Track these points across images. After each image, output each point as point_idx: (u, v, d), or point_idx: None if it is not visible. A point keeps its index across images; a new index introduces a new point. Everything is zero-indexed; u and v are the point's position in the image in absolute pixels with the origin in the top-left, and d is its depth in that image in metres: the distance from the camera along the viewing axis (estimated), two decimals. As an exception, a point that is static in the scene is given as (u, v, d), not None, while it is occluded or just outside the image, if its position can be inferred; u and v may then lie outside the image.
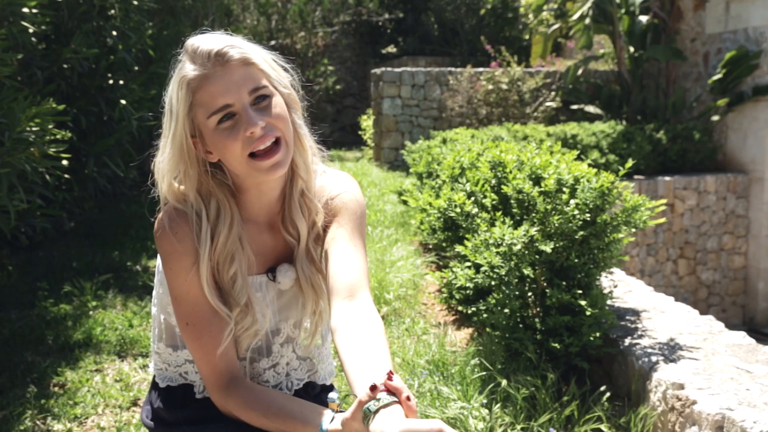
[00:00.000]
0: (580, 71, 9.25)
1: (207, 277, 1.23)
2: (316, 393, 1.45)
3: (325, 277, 1.32)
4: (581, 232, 2.59)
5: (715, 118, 8.63)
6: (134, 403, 2.67)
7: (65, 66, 4.63)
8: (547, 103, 9.24)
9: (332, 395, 1.15)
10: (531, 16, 10.82)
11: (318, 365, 1.45)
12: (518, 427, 2.28)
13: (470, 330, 3.38)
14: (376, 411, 0.94)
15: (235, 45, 1.20)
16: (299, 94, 1.30)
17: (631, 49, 9.06)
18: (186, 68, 1.20)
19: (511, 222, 2.76)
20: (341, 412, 1.12)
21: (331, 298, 1.22)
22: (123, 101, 5.03)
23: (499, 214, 2.79)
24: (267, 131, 1.18)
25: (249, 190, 1.28)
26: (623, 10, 8.93)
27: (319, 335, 1.42)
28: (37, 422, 2.47)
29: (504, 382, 2.43)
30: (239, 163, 1.20)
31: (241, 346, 1.29)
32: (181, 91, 1.19)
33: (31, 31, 3.93)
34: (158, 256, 1.31)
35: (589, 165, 2.87)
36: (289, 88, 1.27)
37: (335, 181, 1.38)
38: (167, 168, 1.24)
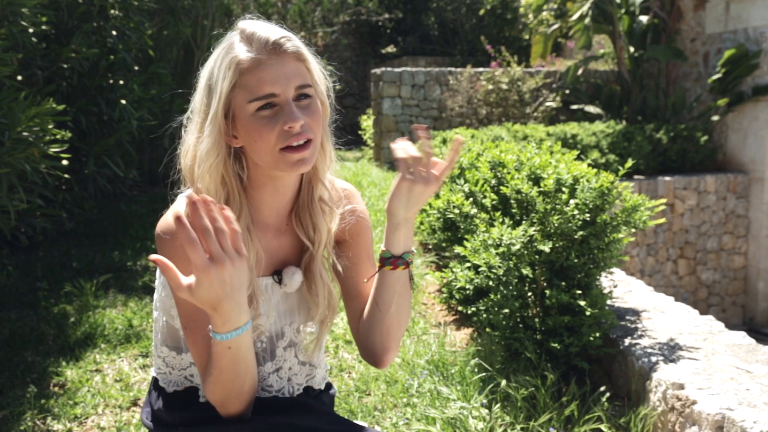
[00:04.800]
0: (580, 71, 9.25)
1: None
2: (315, 395, 1.45)
3: (327, 286, 1.37)
4: (581, 232, 2.59)
5: (715, 118, 8.63)
6: (134, 403, 2.67)
7: (65, 66, 4.63)
8: (547, 103, 9.25)
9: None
10: (531, 16, 10.83)
11: (315, 370, 1.45)
12: (518, 427, 2.28)
13: (470, 330, 3.38)
14: None
15: (292, 38, 1.20)
16: (331, 102, 1.30)
17: (631, 49, 9.06)
18: (238, 48, 1.18)
19: (511, 222, 2.76)
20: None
21: (352, 326, 1.40)
22: (123, 101, 5.03)
23: (498, 214, 2.79)
24: (303, 130, 1.19)
25: (264, 186, 1.27)
26: (623, 10, 8.93)
27: (323, 341, 1.42)
28: (37, 422, 2.47)
29: (504, 382, 2.44)
30: (268, 154, 1.19)
31: None
32: (229, 70, 1.17)
33: (31, 31, 3.94)
34: None
35: (589, 165, 2.87)
36: (325, 95, 1.27)
37: (345, 191, 1.40)
38: (207, 148, 1.20)
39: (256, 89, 1.16)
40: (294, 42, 1.20)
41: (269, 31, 1.19)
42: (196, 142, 1.22)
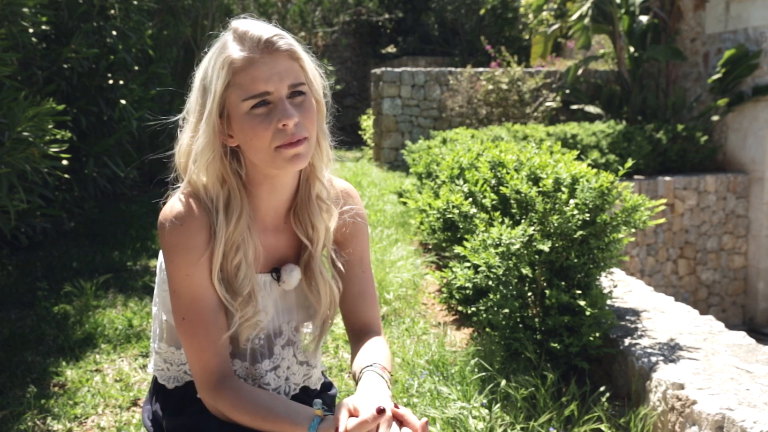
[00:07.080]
0: (580, 71, 9.25)
1: (216, 267, 1.22)
2: (314, 395, 1.45)
3: (328, 283, 1.37)
4: (581, 232, 2.59)
5: (715, 118, 8.63)
6: (134, 403, 2.68)
7: (65, 66, 4.63)
8: (547, 103, 9.24)
9: (317, 401, 1.16)
10: (531, 16, 10.84)
11: (312, 370, 1.45)
12: (518, 427, 2.28)
13: (470, 330, 3.38)
14: None
15: (285, 36, 1.20)
16: (327, 101, 1.30)
17: (631, 49, 9.06)
18: (231, 48, 1.19)
19: (510, 222, 2.76)
20: (327, 413, 1.15)
21: (348, 334, 1.40)
22: (123, 101, 5.03)
23: (497, 214, 2.79)
24: (297, 129, 1.18)
25: (262, 184, 1.27)
26: (623, 10, 8.93)
27: (323, 340, 1.42)
28: (37, 422, 2.47)
29: (504, 382, 2.44)
30: (263, 151, 1.19)
31: (241, 337, 1.28)
32: (222, 69, 1.18)
33: (31, 31, 3.94)
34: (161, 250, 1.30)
35: (589, 165, 2.87)
36: (320, 93, 1.27)
37: (343, 191, 1.40)
38: (201, 147, 1.21)
39: (250, 88, 1.17)
40: (287, 40, 1.20)
41: (262, 29, 1.19)
42: (191, 140, 1.23)
